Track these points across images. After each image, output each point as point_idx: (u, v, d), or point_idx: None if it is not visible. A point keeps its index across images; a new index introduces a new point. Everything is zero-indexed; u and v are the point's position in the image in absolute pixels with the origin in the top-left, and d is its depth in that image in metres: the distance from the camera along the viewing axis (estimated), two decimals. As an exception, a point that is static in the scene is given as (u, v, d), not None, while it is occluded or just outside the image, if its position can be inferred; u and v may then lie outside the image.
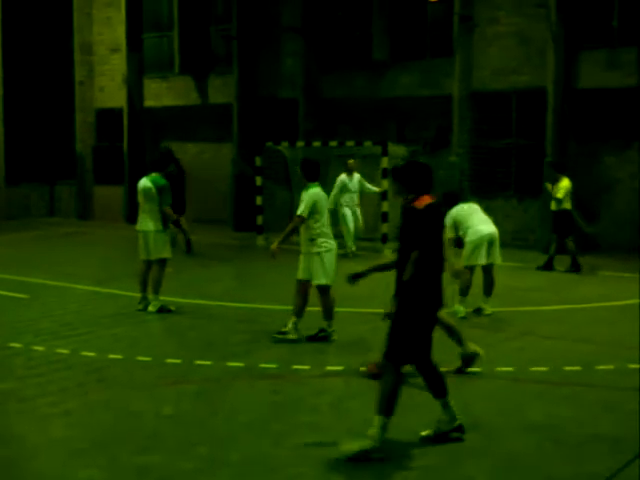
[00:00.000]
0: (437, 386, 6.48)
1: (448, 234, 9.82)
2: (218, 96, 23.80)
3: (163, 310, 11.44)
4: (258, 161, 19.50)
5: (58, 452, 6.38)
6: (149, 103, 25.31)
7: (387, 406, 6.12)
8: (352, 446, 6.07)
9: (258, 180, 19.38)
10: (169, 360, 8.90)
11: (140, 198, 11.75)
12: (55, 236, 21.91)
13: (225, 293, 12.92)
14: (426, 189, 6.47)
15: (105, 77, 26.36)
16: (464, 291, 11.01)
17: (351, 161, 17.54)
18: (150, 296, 11.54)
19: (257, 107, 22.93)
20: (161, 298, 11.62)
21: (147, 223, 11.61)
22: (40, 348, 9.49)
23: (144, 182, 11.73)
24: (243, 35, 22.83)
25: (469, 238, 11.05)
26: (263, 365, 8.66)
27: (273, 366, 8.58)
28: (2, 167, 26.37)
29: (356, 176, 17.55)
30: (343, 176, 17.39)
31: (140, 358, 9.00)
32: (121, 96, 25.46)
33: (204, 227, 20.96)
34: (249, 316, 11.35)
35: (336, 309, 9.82)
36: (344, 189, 17.31)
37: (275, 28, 22.60)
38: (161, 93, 25.25)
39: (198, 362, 8.80)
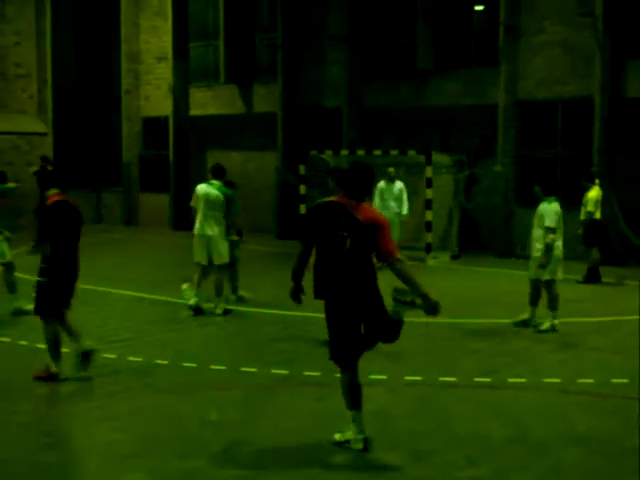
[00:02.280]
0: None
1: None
2: (262, 105, 23.95)
3: (226, 312, 11.93)
4: (302, 170, 19.57)
5: (105, 456, 6.47)
6: (194, 112, 25.54)
7: (352, 400, 6.40)
8: (341, 436, 6.48)
9: (302, 189, 19.45)
10: (214, 366, 8.97)
11: (200, 204, 11.89)
12: (101, 242, 22.15)
13: (270, 300, 12.97)
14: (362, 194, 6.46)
15: (151, 86, 26.66)
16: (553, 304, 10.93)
17: (391, 169, 17.65)
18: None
19: (301, 116, 23.02)
20: (205, 305, 11.76)
21: (212, 228, 11.86)
22: (88, 353, 9.63)
23: (207, 189, 11.94)
24: (288, 44, 22.96)
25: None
26: (307, 373, 8.70)
27: (317, 374, 8.61)
28: (51, 173, 26.79)
29: (398, 184, 17.56)
30: (382, 183, 17.48)
31: (186, 364, 9.09)
32: (167, 105, 25.75)
33: (248, 235, 20.98)
34: (293, 323, 11.40)
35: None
36: (382, 196, 17.39)
37: (319, 36, 22.68)
38: (206, 102, 25.46)
39: (243, 369, 8.86)
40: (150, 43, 26.68)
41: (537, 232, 10.83)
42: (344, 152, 19.54)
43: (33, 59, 26.79)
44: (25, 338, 10.25)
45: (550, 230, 10.60)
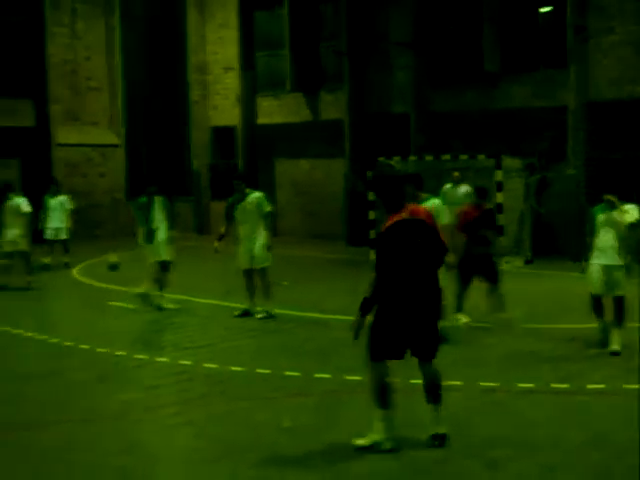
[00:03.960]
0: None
1: None
2: (329, 112, 24.05)
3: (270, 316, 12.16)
4: (370, 176, 19.57)
5: (183, 462, 6.56)
6: (262, 120, 25.78)
7: (382, 400, 6.50)
8: (364, 440, 6.47)
9: (371, 195, 19.44)
10: (288, 372, 9.03)
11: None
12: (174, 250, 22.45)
13: (340, 307, 12.98)
14: (395, 206, 6.57)
15: (219, 96, 27.01)
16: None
17: (456, 173, 17.72)
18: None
19: (368, 122, 23.04)
20: (276, 311, 11.89)
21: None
22: (164, 359, 9.82)
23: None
24: (353, 51, 23.02)
25: None
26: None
27: (396, 380, 8.56)
28: (124, 183, 27.31)
29: (463, 188, 17.48)
30: (447, 186, 17.51)
31: (260, 370, 9.17)
32: (235, 114, 26.05)
33: (317, 242, 21.15)
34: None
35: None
36: (446, 199, 17.32)
37: (385, 43, 22.70)
38: (273, 110, 25.68)
39: (317, 375, 8.89)
40: (217, 54, 27.05)
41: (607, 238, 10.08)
42: (412, 158, 19.48)
43: (104, 72, 27.37)
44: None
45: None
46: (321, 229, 23.31)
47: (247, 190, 12.55)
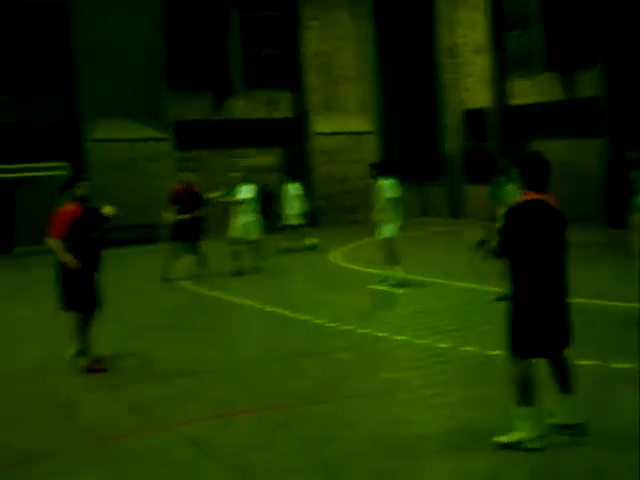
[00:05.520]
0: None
1: None
2: (584, 90, 23.18)
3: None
4: (631, 155, 18.68)
5: (439, 443, 6.64)
6: (514, 101, 25.36)
7: (526, 397, 6.29)
8: (508, 437, 6.30)
9: (633, 175, 18.57)
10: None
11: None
12: (427, 235, 22.78)
13: (603, 291, 12.60)
14: (536, 185, 6.34)
15: (470, 78, 26.88)
16: None
17: None
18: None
19: (627, 99, 21.97)
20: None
21: None
22: (422, 341, 10.03)
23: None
24: (610, 27, 22.01)
25: None
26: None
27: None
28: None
29: None
30: None
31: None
32: (486, 96, 25.82)
33: (574, 225, 20.40)
34: (628, 315, 10.95)
35: None
36: None
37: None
38: (525, 91, 25.16)
39: (581, 362, 8.62)
40: (467, 37, 26.90)
41: None
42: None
43: (355, 61, 28.10)
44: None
45: None
46: (575, 211, 22.53)
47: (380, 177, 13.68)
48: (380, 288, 13.91)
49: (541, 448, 6.27)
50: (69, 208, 9.29)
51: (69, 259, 9.10)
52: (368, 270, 14.08)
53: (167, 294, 14.81)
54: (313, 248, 20.11)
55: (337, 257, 18.76)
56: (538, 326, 6.33)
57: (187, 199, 16.03)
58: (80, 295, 9.24)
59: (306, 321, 11.73)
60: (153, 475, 6.28)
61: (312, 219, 24.86)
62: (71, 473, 6.40)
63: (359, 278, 15.15)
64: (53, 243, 9.19)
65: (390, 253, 13.86)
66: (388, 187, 13.74)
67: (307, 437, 6.92)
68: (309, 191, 26.44)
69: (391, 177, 14.03)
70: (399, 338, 10.28)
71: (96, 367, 9.30)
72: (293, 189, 20.62)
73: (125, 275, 16.90)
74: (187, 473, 6.28)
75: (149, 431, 7.32)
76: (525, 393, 6.37)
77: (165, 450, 6.78)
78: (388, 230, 13.82)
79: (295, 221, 20.48)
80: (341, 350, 9.93)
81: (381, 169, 13.99)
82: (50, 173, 22.64)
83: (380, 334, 10.57)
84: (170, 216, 16.07)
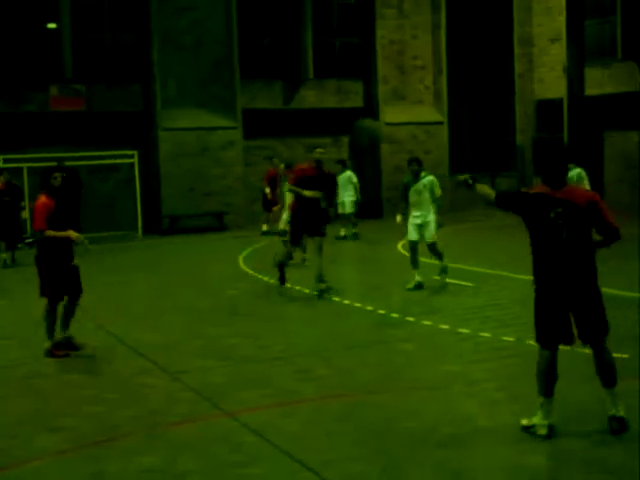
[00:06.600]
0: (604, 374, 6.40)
1: None
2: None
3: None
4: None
5: (499, 437, 6.58)
6: (590, 92, 24.86)
7: (543, 387, 6.44)
8: (527, 421, 6.50)
9: None
10: (616, 354, 8.66)
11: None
12: (491, 227, 22.50)
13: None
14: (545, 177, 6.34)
15: (545, 68, 26.45)
16: None
17: None
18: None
19: None
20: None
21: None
22: (486, 334, 9.94)
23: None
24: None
25: None
26: None
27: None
28: (447, 158, 27.70)
29: None
30: None
31: (580, 350, 8.89)
32: (561, 86, 25.37)
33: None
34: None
35: None
36: None
37: None
38: (602, 81, 24.64)
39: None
40: (543, 25, 26.48)
41: None
42: None
43: (429, 50, 27.86)
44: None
45: None
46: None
47: (423, 173, 13.08)
48: (440, 279, 13.77)
49: (546, 435, 6.35)
50: (43, 200, 9.48)
51: (72, 234, 9.39)
52: (433, 262, 13.96)
53: (236, 282, 14.95)
54: (355, 237, 20.56)
55: (404, 247, 18.68)
56: (542, 318, 6.47)
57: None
58: (49, 283, 9.48)
59: (370, 311, 11.73)
60: (214, 461, 6.35)
61: (375, 209, 24.88)
62: (135, 455, 6.52)
63: (425, 270, 15.05)
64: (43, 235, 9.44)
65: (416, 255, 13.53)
66: (437, 184, 13.32)
67: (367, 427, 6.92)
68: (377, 181, 26.41)
69: (431, 174, 13.52)
70: (463, 331, 10.21)
71: (58, 353, 9.60)
72: (345, 178, 20.69)
73: (196, 261, 17.10)
74: (248, 460, 6.33)
75: (212, 417, 7.42)
76: (540, 383, 6.50)
77: (226, 437, 6.85)
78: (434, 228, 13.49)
79: (347, 210, 20.66)
80: (404, 341, 9.92)
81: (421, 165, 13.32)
82: (118, 161, 23.07)
83: (443, 326, 10.51)
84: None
